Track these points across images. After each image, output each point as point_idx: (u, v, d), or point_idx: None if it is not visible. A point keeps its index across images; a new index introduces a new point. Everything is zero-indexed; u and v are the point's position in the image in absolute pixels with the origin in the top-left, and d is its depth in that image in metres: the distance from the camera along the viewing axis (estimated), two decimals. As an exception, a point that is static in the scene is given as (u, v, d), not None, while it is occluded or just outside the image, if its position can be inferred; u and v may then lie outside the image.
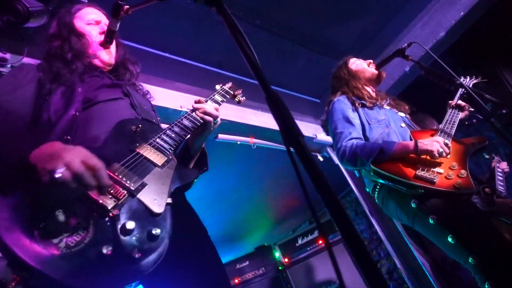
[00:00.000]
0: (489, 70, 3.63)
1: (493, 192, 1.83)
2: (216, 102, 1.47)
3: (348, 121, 2.05)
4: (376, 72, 2.32)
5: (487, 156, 2.77)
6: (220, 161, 3.67)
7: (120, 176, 0.98)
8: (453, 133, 1.92)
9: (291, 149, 0.61)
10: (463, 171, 1.70)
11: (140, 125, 1.19)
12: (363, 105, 2.15)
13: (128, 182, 0.97)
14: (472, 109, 2.14)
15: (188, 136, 1.31)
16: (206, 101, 1.42)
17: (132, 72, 1.59)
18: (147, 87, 1.67)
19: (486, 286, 1.45)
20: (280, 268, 4.46)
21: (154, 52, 2.85)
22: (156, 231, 0.93)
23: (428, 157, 1.77)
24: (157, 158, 1.11)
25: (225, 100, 1.54)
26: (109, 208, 0.89)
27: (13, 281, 0.79)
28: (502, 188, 2.33)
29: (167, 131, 1.24)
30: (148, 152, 1.12)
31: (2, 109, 1.10)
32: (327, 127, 2.25)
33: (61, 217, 0.83)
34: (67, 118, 1.14)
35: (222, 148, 3.23)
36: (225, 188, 4.43)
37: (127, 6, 1.33)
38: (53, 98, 1.21)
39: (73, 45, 1.38)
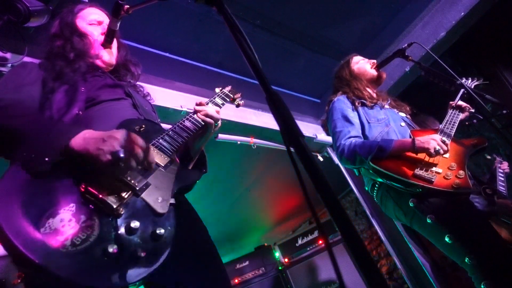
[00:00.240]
0: (489, 71, 3.63)
1: (494, 193, 1.83)
2: (217, 105, 1.48)
3: (347, 120, 2.05)
4: (377, 73, 2.32)
5: (488, 157, 2.77)
6: (220, 161, 3.67)
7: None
8: (453, 134, 1.92)
9: (291, 149, 0.60)
10: (461, 172, 1.70)
11: (143, 126, 1.20)
12: (363, 104, 2.15)
13: (132, 181, 0.98)
14: (473, 110, 2.14)
15: (189, 137, 1.31)
16: (207, 104, 1.42)
17: (133, 73, 1.59)
18: (147, 86, 1.67)
19: (482, 287, 1.45)
20: (280, 268, 4.45)
21: (155, 52, 2.85)
22: (160, 231, 0.93)
23: (426, 156, 1.77)
24: (160, 158, 1.12)
25: (225, 103, 1.55)
26: (114, 206, 0.90)
27: (18, 278, 0.79)
28: (503, 188, 2.33)
29: (170, 132, 1.24)
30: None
31: (17, 105, 1.08)
32: (327, 126, 2.25)
33: (66, 215, 0.84)
34: (69, 117, 1.14)
35: (222, 148, 3.23)
36: (225, 188, 4.43)
37: (128, 6, 1.33)
38: (56, 96, 1.20)
39: (75, 45, 1.38)
